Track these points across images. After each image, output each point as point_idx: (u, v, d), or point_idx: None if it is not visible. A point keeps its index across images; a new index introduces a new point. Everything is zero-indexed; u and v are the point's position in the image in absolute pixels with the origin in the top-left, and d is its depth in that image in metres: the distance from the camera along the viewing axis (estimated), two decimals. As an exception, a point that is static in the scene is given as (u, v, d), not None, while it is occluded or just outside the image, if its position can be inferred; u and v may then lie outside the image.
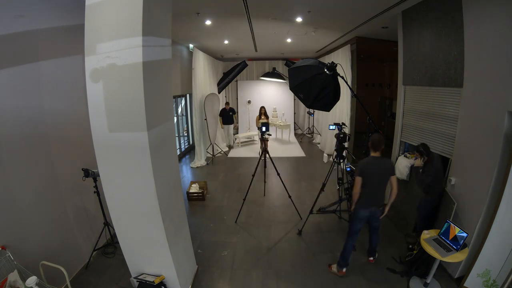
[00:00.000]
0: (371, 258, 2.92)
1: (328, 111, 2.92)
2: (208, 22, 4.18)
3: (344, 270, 2.70)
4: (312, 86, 2.60)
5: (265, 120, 7.29)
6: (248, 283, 2.66)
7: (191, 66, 6.01)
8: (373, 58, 7.17)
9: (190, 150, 7.68)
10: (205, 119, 6.41)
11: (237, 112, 9.39)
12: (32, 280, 1.82)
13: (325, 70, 2.56)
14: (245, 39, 5.66)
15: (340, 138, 3.51)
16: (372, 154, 2.55)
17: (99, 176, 2.01)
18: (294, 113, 9.59)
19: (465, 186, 2.56)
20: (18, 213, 2.14)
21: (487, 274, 2.32)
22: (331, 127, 3.97)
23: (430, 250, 2.32)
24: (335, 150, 3.64)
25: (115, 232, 2.27)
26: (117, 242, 2.30)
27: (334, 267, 2.75)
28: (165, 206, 2.05)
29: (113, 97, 1.78)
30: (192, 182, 4.72)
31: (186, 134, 7.93)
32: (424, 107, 3.25)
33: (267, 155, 3.93)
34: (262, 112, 7.41)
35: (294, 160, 6.68)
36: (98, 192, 2.77)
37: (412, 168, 3.26)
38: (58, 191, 2.55)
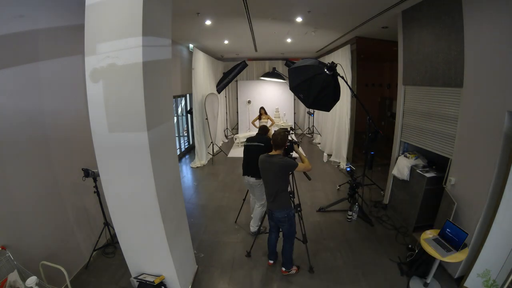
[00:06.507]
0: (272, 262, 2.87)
1: (328, 111, 2.91)
2: (208, 22, 4.18)
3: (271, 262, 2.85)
4: (312, 86, 2.59)
5: (265, 121, 7.25)
6: (248, 283, 2.66)
7: (191, 66, 6.01)
8: (373, 58, 7.16)
9: (190, 150, 7.68)
10: (206, 119, 6.41)
11: (237, 112, 9.42)
12: (32, 280, 1.82)
13: (325, 70, 2.56)
14: (245, 39, 5.65)
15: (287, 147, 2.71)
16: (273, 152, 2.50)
17: (99, 176, 2.01)
18: (294, 113, 9.59)
19: (465, 186, 2.56)
20: (18, 213, 2.14)
21: (487, 274, 2.32)
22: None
23: (430, 250, 2.32)
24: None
25: (115, 232, 2.27)
26: (117, 242, 2.30)
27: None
28: (165, 206, 2.05)
29: (113, 97, 1.78)
30: None
31: (186, 134, 7.93)
32: (424, 107, 3.25)
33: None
34: (262, 112, 7.40)
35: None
36: (98, 192, 2.77)
37: None
38: (58, 191, 2.55)
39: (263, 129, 3.44)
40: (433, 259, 2.38)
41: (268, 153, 2.52)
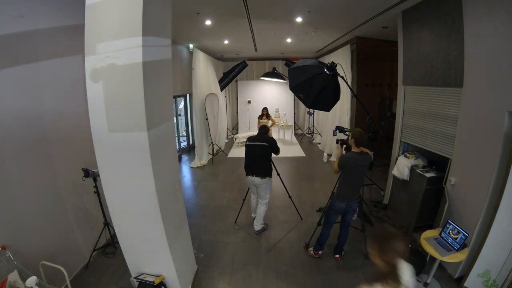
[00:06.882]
0: (337, 256, 2.96)
1: (328, 111, 2.92)
2: (208, 22, 4.18)
3: (320, 252, 2.97)
4: (312, 86, 2.59)
5: (266, 121, 7.29)
6: (248, 283, 2.66)
7: (191, 66, 6.01)
8: (373, 58, 7.14)
9: (190, 150, 7.68)
10: (206, 119, 6.41)
11: (237, 112, 9.43)
12: (32, 280, 1.82)
13: (325, 70, 2.56)
14: (245, 39, 5.65)
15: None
16: (353, 150, 2.62)
17: (99, 176, 2.01)
18: (294, 113, 9.59)
19: (465, 186, 2.56)
20: (18, 213, 2.14)
21: (487, 274, 2.32)
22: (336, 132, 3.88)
23: (430, 249, 2.32)
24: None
25: (115, 232, 2.27)
26: (117, 242, 2.30)
27: (311, 251, 3.01)
28: (165, 206, 2.05)
29: (113, 97, 1.78)
30: None
31: (186, 134, 7.93)
32: (424, 107, 3.25)
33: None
34: (264, 113, 7.43)
35: (294, 160, 6.68)
36: (98, 192, 2.76)
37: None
38: (58, 191, 2.55)
39: (264, 129, 3.45)
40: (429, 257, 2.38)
41: (353, 151, 2.59)
